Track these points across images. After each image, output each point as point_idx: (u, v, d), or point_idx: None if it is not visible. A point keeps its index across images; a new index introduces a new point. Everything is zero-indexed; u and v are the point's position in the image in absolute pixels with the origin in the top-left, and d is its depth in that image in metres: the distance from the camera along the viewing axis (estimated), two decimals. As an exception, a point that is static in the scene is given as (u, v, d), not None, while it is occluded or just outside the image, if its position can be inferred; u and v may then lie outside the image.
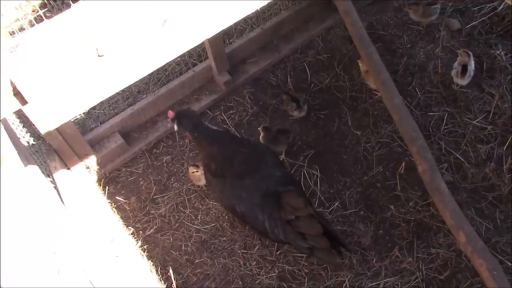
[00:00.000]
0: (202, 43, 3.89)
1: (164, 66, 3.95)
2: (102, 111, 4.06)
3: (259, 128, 3.77)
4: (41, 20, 3.31)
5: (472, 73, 3.79)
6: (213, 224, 3.61)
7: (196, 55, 4.16)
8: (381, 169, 3.67)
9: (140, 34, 1.50)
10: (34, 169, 1.92)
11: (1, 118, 1.35)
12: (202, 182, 3.64)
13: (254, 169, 3.12)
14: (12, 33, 3.29)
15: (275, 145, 3.68)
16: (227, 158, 3.15)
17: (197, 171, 3.58)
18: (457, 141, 3.71)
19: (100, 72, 1.49)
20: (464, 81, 3.81)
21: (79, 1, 3.18)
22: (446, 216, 3.06)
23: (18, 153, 1.41)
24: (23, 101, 1.45)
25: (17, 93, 1.43)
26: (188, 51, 4.08)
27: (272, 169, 3.15)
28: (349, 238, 3.44)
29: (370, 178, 3.66)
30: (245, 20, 4.27)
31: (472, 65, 3.78)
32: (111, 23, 1.47)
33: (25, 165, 1.80)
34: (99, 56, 1.46)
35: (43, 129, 2.78)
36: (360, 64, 3.89)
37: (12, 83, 1.40)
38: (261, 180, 3.08)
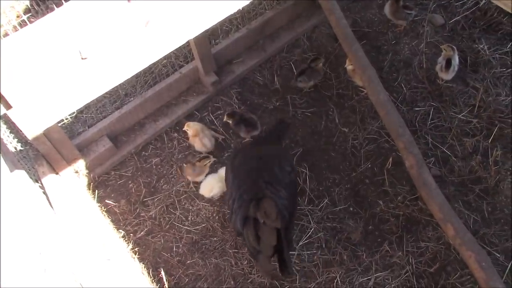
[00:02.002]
0: (188, 45, 3.91)
1: (150, 68, 4.00)
2: (89, 115, 4.04)
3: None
4: (25, 25, 3.32)
5: (456, 68, 3.83)
6: (203, 225, 3.61)
7: (182, 56, 4.17)
8: (369, 165, 3.70)
9: (123, 36, 1.51)
10: (21, 174, 1.91)
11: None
12: (202, 177, 3.69)
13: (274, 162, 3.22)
14: (-4, 39, 3.29)
15: (239, 130, 3.79)
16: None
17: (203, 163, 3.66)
18: (443, 135, 3.75)
19: (84, 74, 1.50)
20: (448, 76, 3.85)
21: (65, 4, 3.19)
22: (434, 210, 3.09)
23: (5, 159, 1.40)
24: (7, 106, 1.45)
25: (1, 98, 1.42)
26: (174, 53, 4.13)
27: (283, 176, 3.17)
28: (339, 234, 3.47)
29: (358, 174, 3.68)
30: (231, 21, 4.28)
31: (456, 60, 3.82)
32: (94, 26, 1.48)
33: (12, 171, 1.80)
34: (82, 59, 1.47)
35: (29, 134, 2.77)
36: (347, 62, 3.91)
37: (-5, 88, 1.39)
38: (268, 174, 3.14)
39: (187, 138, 3.89)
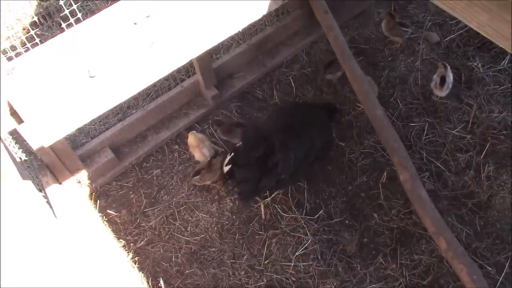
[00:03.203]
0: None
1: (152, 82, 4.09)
2: (92, 127, 4.14)
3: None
4: (32, 39, 3.43)
5: (450, 85, 3.93)
6: (202, 235, 3.69)
7: (184, 70, 4.27)
8: (365, 179, 3.78)
9: (129, 56, 1.60)
10: (28, 184, 2.00)
11: (1, 136, 1.44)
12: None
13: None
14: (4, 52, 3.40)
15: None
16: None
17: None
18: (437, 150, 3.83)
19: (92, 92, 1.59)
20: (442, 93, 3.95)
21: (70, 21, 3.29)
22: (427, 223, 3.16)
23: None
24: (19, 120, 1.54)
25: (13, 113, 1.52)
26: (176, 68, 4.23)
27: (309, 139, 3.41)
28: (335, 246, 3.55)
29: (354, 187, 3.77)
30: (231, 37, 4.38)
31: (450, 77, 3.92)
32: (102, 46, 1.57)
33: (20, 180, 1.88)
34: (90, 77, 1.56)
35: (37, 146, 2.88)
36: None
37: (9, 104, 1.49)
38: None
39: (188, 150, 3.98)
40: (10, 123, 1.56)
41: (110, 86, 1.62)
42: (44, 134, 1.60)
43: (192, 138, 3.84)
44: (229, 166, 3.58)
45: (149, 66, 1.68)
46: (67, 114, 1.58)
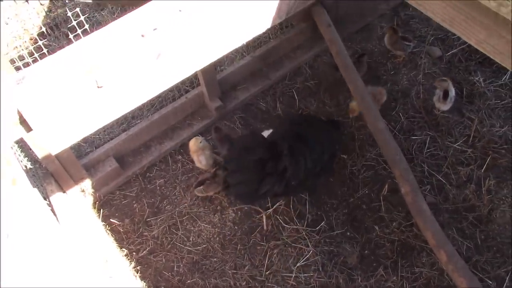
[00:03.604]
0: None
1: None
2: (97, 136, 4.18)
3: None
4: (40, 49, 3.49)
5: (453, 99, 3.96)
6: (204, 245, 3.71)
7: (188, 82, 4.32)
8: (367, 191, 3.81)
9: (136, 67, 1.65)
10: (35, 192, 2.03)
11: (11, 143, 1.47)
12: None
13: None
14: (12, 62, 3.45)
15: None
16: None
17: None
18: (439, 163, 3.86)
19: (100, 101, 1.63)
20: (446, 106, 3.98)
21: (77, 32, 3.34)
22: (428, 236, 3.18)
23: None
24: (28, 128, 1.58)
25: (23, 121, 1.56)
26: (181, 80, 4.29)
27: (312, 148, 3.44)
28: (336, 258, 3.56)
29: (356, 200, 3.79)
30: (236, 49, 4.43)
31: (452, 91, 3.96)
32: (110, 57, 1.61)
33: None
34: (98, 87, 1.61)
35: (43, 154, 2.92)
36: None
37: (18, 112, 1.53)
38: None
39: (191, 161, 4.02)
40: (19, 131, 1.60)
41: (117, 96, 1.66)
42: (52, 142, 1.64)
43: (192, 143, 3.90)
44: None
45: (156, 77, 1.72)
46: (75, 122, 1.62)
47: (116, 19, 1.74)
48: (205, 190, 3.80)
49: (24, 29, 5.01)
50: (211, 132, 4.08)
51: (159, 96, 4.22)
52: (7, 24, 5.19)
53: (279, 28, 4.50)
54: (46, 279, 1.35)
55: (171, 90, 4.22)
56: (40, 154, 3.25)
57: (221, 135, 3.95)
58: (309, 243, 3.62)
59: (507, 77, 4.14)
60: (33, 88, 1.56)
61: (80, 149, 4.10)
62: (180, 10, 1.69)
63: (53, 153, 1.70)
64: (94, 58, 1.60)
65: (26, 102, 1.54)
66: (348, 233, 3.67)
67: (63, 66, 1.61)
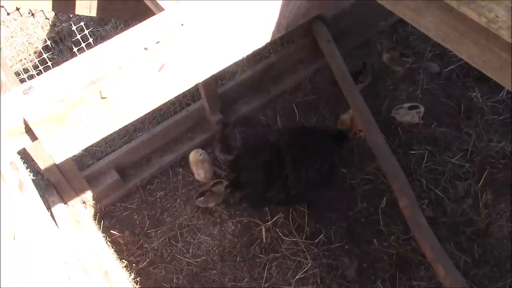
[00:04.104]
0: (196, 85, 4.12)
1: (159, 105, 4.19)
2: (99, 148, 4.24)
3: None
4: (45, 62, 3.56)
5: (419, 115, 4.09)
6: (203, 258, 3.74)
7: (189, 95, 4.38)
8: (365, 205, 3.84)
9: (140, 79, 1.69)
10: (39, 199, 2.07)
11: (17, 151, 1.51)
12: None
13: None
14: (17, 74, 3.52)
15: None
16: None
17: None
18: (437, 178, 3.89)
19: (103, 111, 1.68)
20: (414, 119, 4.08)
21: (82, 45, 3.41)
22: (426, 250, 3.21)
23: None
24: (34, 137, 1.63)
25: (28, 130, 1.60)
26: (182, 92, 4.35)
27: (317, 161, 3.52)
28: (334, 271, 3.58)
29: (354, 213, 3.82)
30: (237, 63, 4.49)
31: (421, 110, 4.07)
32: (113, 68, 1.66)
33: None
34: (102, 98, 1.65)
35: (46, 165, 2.96)
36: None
37: (25, 121, 1.57)
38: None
39: (191, 173, 4.06)
40: (24, 140, 1.64)
41: (121, 107, 1.71)
42: (56, 151, 1.68)
43: (191, 155, 3.96)
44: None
45: (158, 88, 1.76)
46: (80, 132, 1.67)
47: (120, 33, 1.79)
48: (205, 201, 3.84)
49: (29, 43, 5.09)
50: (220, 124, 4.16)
51: (160, 109, 4.28)
52: (12, 37, 5.28)
53: (280, 44, 4.57)
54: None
55: (172, 103, 4.28)
56: (42, 165, 3.30)
57: (222, 134, 4.02)
58: (307, 256, 3.64)
59: (504, 93, 4.19)
60: (39, 98, 1.61)
61: (82, 161, 4.15)
62: (182, 24, 1.74)
63: (57, 161, 1.73)
64: (99, 69, 1.65)
65: (32, 112, 1.58)
66: (347, 246, 3.69)
67: (68, 77, 1.65)
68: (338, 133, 3.91)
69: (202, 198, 3.85)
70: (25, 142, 1.64)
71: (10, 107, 1.57)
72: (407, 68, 4.47)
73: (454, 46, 1.53)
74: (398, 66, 4.43)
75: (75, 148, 1.75)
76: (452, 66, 4.46)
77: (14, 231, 1.09)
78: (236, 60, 1.92)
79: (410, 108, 4.07)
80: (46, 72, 1.68)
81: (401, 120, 4.01)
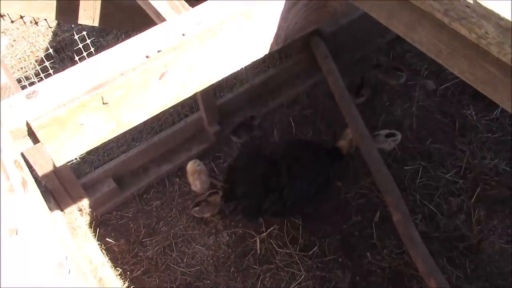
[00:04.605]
0: (195, 96, 4.18)
1: (157, 116, 4.22)
2: (96, 157, 4.27)
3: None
4: (46, 70, 3.60)
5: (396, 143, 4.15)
6: (198, 267, 3.76)
7: (188, 107, 4.43)
8: (360, 218, 3.87)
9: (141, 86, 1.74)
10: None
11: (20, 152, 1.55)
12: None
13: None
14: (18, 81, 3.56)
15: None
16: None
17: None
18: (430, 193, 3.93)
19: (104, 117, 1.73)
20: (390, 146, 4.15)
21: (83, 54, 3.46)
22: (418, 264, 3.24)
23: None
24: (36, 140, 1.67)
25: (31, 133, 1.65)
26: (181, 103, 4.39)
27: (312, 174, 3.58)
28: (327, 283, 3.60)
29: (348, 226, 3.85)
30: (236, 76, 4.57)
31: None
32: (116, 75, 1.71)
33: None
34: (103, 103, 1.70)
35: (44, 172, 2.99)
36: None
37: (27, 124, 1.62)
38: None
39: (188, 184, 4.10)
40: (26, 143, 1.69)
41: (122, 113, 1.76)
42: (57, 154, 1.72)
43: (189, 165, 4.00)
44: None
45: (159, 95, 1.81)
46: (81, 136, 1.71)
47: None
48: (201, 212, 3.87)
49: (31, 51, 5.15)
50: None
51: (159, 120, 4.32)
52: (12, 46, 5.34)
53: (278, 58, 4.64)
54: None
55: (170, 114, 4.33)
56: (40, 171, 3.33)
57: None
58: (301, 268, 3.66)
59: (499, 111, 4.26)
60: (43, 102, 1.66)
61: (79, 169, 4.18)
62: (183, 34, 1.80)
63: (58, 164, 1.77)
64: (101, 75, 1.70)
65: (35, 115, 1.63)
66: (340, 259, 3.71)
67: (71, 82, 1.70)
68: (335, 151, 3.95)
69: (198, 208, 3.88)
70: (27, 144, 1.69)
71: (14, 110, 1.62)
72: (402, 84, 4.54)
73: (446, 61, 1.59)
74: (392, 80, 4.51)
75: (76, 152, 1.79)
76: (448, 84, 4.52)
77: (17, 226, 1.13)
78: (236, 70, 1.98)
79: (387, 135, 4.13)
80: (50, 78, 1.73)
81: (378, 146, 4.02)
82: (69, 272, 1.06)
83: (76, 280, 1.13)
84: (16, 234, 1.09)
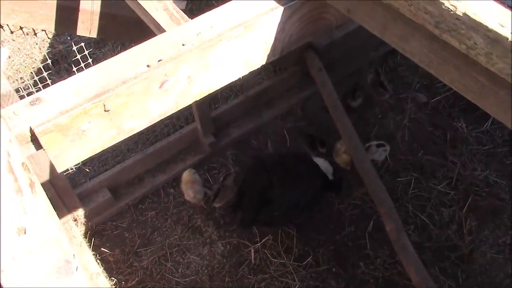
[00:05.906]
0: (189, 107, 4.23)
1: (153, 127, 4.29)
2: (91, 167, 4.29)
3: None
4: (44, 80, 3.64)
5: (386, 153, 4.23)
6: (192, 277, 3.78)
7: (183, 118, 4.47)
8: (353, 229, 3.92)
9: (141, 94, 1.79)
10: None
11: (25, 156, 1.59)
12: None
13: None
14: (17, 91, 3.60)
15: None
16: None
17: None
18: (423, 204, 3.99)
19: (106, 124, 1.77)
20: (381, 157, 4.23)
21: (81, 65, 3.51)
22: (411, 273, 3.29)
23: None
24: (39, 146, 1.71)
25: (34, 139, 1.69)
26: (176, 114, 4.45)
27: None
28: (321, 293, 3.65)
29: (342, 237, 3.89)
30: (231, 88, 4.63)
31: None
32: (117, 83, 1.76)
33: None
34: (105, 111, 1.75)
35: (41, 180, 3.01)
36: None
37: (31, 130, 1.66)
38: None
39: (183, 194, 4.13)
40: (29, 149, 1.72)
41: (123, 120, 1.80)
42: (59, 160, 1.76)
43: (184, 174, 4.05)
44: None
45: (159, 104, 1.86)
46: (83, 142, 1.75)
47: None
48: (222, 199, 4.02)
49: (29, 62, 5.19)
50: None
51: (154, 131, 4.36)
52: (10, 57, 5.37)
53: (273, 70, 4.70)
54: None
55: (166, 125, 4.37)
56: (44, 176, 3.34)
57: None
58: (295, 278, 3.69)
59: (489, 124, 4.33)
60: (46, 109, 1.70)
61: (74, 179, 4.20)
62: (183, 44, 1.86)
63: (59, 170, 1.81)
64: (103, 83, 1.75)
65: (39, 121, 1.67)
66: (334, 269, 3.75)
67: (74, 90, 1.75)
68: (335, 182, 3.97)
69: (218, 197, 4.03)
70: (30, 150, 1.73)
71: (19, 116, 1.66)
72: (394, 98, 4.62)
73: (437, 71, 1.65)
74: (378, 95, 4.60)
75: (77, 158, 1.83)
76: (439, 97, 4.61)
77: (25, 225, 1.17)
78: (234, 79, 2.03)
79: (378, 146, 4.19)
80: (53, 85, 1.78)
81: (370, 158, 4.06)
82: (76, 269, 1.10)
83: (83, 277, 1.16)
84: (25, 233, 1.13)
